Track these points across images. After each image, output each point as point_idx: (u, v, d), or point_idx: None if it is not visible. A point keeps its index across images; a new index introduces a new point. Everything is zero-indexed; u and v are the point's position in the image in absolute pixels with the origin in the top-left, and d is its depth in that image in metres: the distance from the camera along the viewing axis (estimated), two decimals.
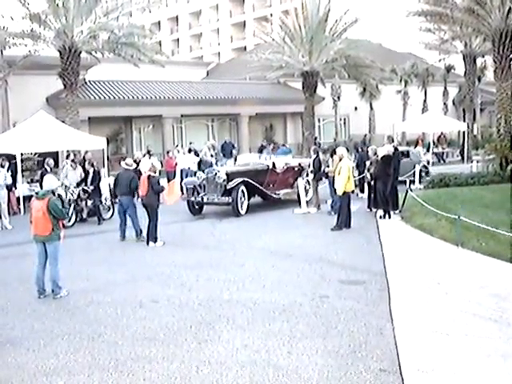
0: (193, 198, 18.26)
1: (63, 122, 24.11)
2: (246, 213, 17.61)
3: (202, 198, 18.07)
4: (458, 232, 12.29)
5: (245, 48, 71.25)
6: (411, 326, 7.64)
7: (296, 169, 20.14)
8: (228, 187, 17.57)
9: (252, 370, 6.36)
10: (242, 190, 17.75)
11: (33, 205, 9.77)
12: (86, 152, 20.14)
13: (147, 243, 13.66)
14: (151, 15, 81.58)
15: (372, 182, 16.82)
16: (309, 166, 18.44)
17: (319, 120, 42.22)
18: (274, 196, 19.11)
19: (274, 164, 19.51)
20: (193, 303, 8.87)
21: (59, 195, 10.00)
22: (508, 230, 12.00)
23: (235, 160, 22.69)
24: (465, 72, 38.54)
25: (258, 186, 18.40)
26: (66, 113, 26.25)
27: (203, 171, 19.65)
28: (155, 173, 14.08)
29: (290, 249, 12.65)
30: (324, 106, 40.79)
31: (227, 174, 17.94)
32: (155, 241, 13.67)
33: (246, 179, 17.88)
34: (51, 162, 18.67)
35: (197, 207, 18.37)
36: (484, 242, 11.98)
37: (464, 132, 36.62)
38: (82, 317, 8.53)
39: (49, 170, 17.96)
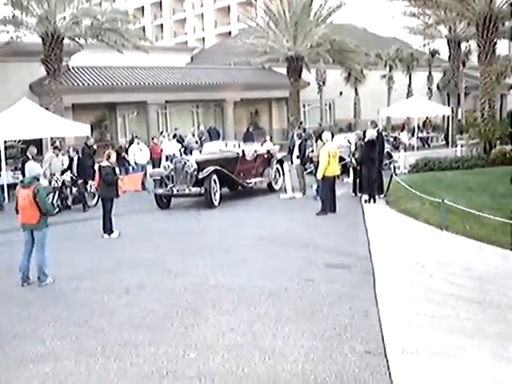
0: (160, 191, 17.01)
1: (47, 108, 23.92)
2: (220, 203, 16.84)
3: (172, 190, 16.87)
4: (442, 216, 12.39)
5: (229, 33, 70.93)
6: (396, 308, 7.71)
7: (265, 156, 19.54)
8: (200, 177, 16.58)
9: (238, 354, 6.40)
10: (215, 180, 16.74)
11: (19, 193, 9.72)
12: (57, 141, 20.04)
13: (102, 235, 13.23)
14: (134, 1, 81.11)
15: (357, 167, 16.88)
16: (290, 151, 18.25)
17: (304, 105, 42.13)
18: (246, 185, 18.36)
19: (243, 152, 18.58)
20: (179, 289, 8.88)
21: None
22: (492, 213, 12.11)
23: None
24: (449, 57, 38.67)
25: (229, 174, 17.50)
26: (49, 100, 26.06)
27: None
28: (110, 162, 13.43)
29: (276, 234, 12.69)
30: (309, 91, 40.72)
31: (197, 163, 16.94)
32: (110, 233, 13.20)
33: (217, 168, 16.91)
34: (33, 149, 18.53)
35: (165, 200, 17.22)
36: (468, 225, 12.09)
37: (448, 116, 36.77)
38: (68, 303, 8.52)
39: (30, 157, 17.81)
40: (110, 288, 9.10)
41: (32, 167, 10.24)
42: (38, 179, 10.02)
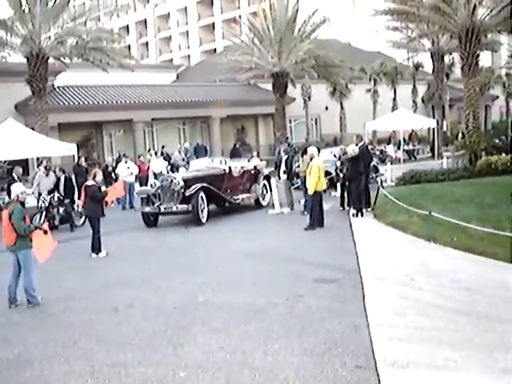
0: (148, 209, 16.91)
1: (32, 128, 23.88)
2: (207, 220, 16.73)
3: (159, 208, 16.74)
4: (429, 228, 12.42)
5: (214, 50, 71.22)
6: (385, 321, 7.70)
7: (252, 172, 19.50)
8: (187, 194, 16.49)
9: (228, 372, 6.36)
10: (202, 197, 16.64)
11: (2, 215, 9.67)
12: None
13: (90, 254, 13.12)
14: (119, 19, 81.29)
15: (344, 182, 16.92)
16: (277, 167, 18.23)
17: (290, 120, 42.35)
18: (233, 201, 18.27)
19: (230, 168, 18.55)
20: (168, 307, 8.84)
21: (22, 203, 9.81)
22: (479, 224, 12.16)
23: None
24: (433, 69, 39.00)
25: (216, 191, 17.45)
26: (35, 119, 26.04)
27: None
28: (96, 181, 13.39)
29: (264, 249, 12.68)
30: (295, 107, 40.92)
31: (184, 181, 16.86)
32: (97, 252, 13.09)
33: (204, 185, 16.86)
34: (19, 170, 18.47)
35: (152, 218, 17.08)
36: (456, 236, 12.12)
37: (434, 129, 37.00)
38: (57, 324, 8.46)
39: (16, 178, 17.72)
40: (99, 308, 9.04)
41: (15, 189, 10.12)
42: (22, 203, 9.87)
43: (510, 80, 55.22)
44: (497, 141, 26.41)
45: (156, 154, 26.37)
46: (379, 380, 5.95)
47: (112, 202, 15.27)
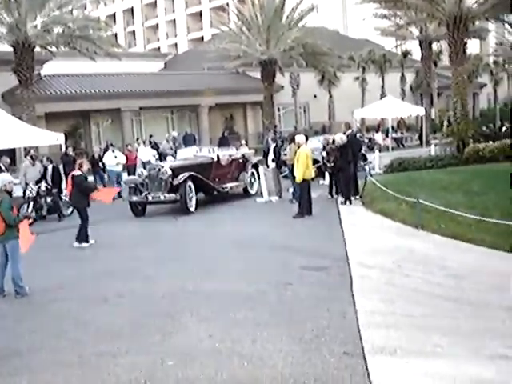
0: (135, 198, 16.73)
1: (19, 118, 23.66)
2: (196, 209, 16.65)
3: (147, 197, 16.60)
4: (417, 215, 12.47)
5: (202, 38, 70.87)
6: (373, 309, 7.73)
7: (240, 160, 19.47)
8: (174, 183, 16.37)
9: (217, 360, 6.36)
10: (190, 186, 16.52)
11: None
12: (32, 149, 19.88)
13: (74, 243, 12.98)
14: (106, 8, 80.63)
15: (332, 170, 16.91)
16: (265, 155, 18.20)
17: (279, 109, 42.29)
18: (221, 190, 18.19)
19: (218, 157, 18.48)
20: (156, 296, 8.83)
21: (9, 192, 9.74)
22: (466, 211, 12.23)
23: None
24: (421, 57, 39.08)
25: (205, 180, 17.34)
26: (21, 109, 25.84)
27: None
28: (82, 171, 13.20)
29: (253, 237, 12.69)
30: (283, 95, 40.86)
31: (172, 170, 16.72)
32: (83, 242, 12.95)
33: (192, 173, 16.73)
34: (6, 160, 18.32)
35: (139, 208, 16.91)
36: (443, 223, 12.19)
37: (422, 116, 37.08)
38: (45, 314, 8.43)
39: (4, 168, 17.60)
40: (87, 298, 9.02)
41: (2, 178, 10.07)
42: (9, 193, 9.83)
43: (498, 68, 55.36)
44: (484, 128, 26.52)
45: (144, 142, 26.21)
46: (367, 367, 5.97)
47: (94, 200, 15.02)
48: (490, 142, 22.35)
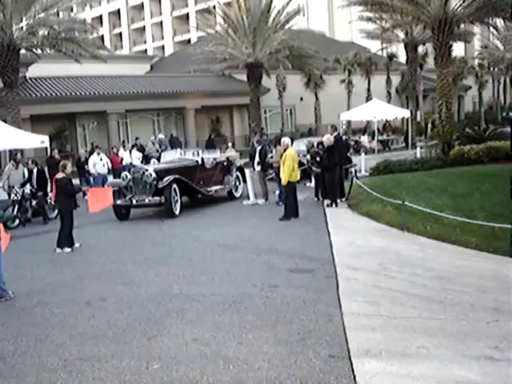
0: (119, 202, 16.42)
1: (4, 120, 23.51)
2: (180, 212, 16.56)
3: (131, 201, 16.53)
4: (403, 217, 12.52)
5: (189, 41, 70.87)
6: (359, 311, 7.74)
7: (225, 163, 19.41)
8: (159, 186, 16.27)
9: (202, 363, 6.34)
10: (175, 189, 16.45)
11: None
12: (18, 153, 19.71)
13: (55, 249, 12.82)
14: (92, 10, 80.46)
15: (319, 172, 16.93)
16: (252, 158, 18.14)
17: (265, 111, 42.37)
18: (206, 193, 18.16)
19: (202, 160, 18.41)
20: (141, 299, 8.78)
21: None
22: (451, 213, 12.29)
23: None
24: (407, 60, 39.24)
25: (189, 183, 17.29)
26: (6, 111, 25.68)
27: None
28: (66, 173, 13.02)
29: (239, 240, 12.66)
30: (270, 97, 40.92)
31: (156, 173, 16.62)
32: (65, 247, 12.76)
33: (177, 176, 16.67)
34: None
35: (124, 211, 16.77)
36: (429, 225, 12.23)
37: (408, 119, 37.23)
38: (29, 318, 8.36)
39: None
40: (72, 301, 8.95)
41: None
42: None
43: (483, 70, 55.76)
44: (470, 131, 26.62)
45: (124, 146, 25.77)
46: (352, 369, 5.98)
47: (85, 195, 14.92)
48: (475, 145, 22.44)
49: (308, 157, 17.55)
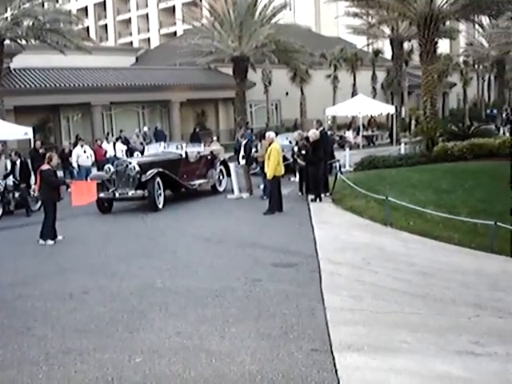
0: (102, 194, 16.20)
1: None
2: (164, 206, 16.46)
3: (114, 194, 16.36)
4: (386, 212, 12.57)
5: (175, 33, 70.56)
6: (342, 305, 7.76)
7: (209, 157, 19.34)
8: (142, 179, 16.11)
9: (185, 356, 6.33)
10: (158, 182, 16.32)
11: None
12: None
13: (38, 240, 12.71)
14: (78, 1, 79.86)
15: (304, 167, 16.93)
16: (236, 152, 18.12)
17: (251, 105, 42.31)
18: (190, 187, 18.03)
19: (186, 153, 18.25)
20: (124, 292, 8.75)
21: None
22: (435, 209, 12.36)
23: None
24: (392, 56, 39.33)
25: (173, 176, 17.16)
26: None
27: None
28: (51, 165, 12.92)
29: (223, 234, 12.65)
30: (255, 92, 40.86)
31: (140, 166, 16.46)
32: (47, 239, 12.65)
33: (161, 170, 16.56)
34: None
35: (106, 204, 16.67)
36: (412, 221, 12.30)
37: (392, 115, 37.35)
38: (10, 311, 8.29)
39: None
40: (54, 294, 8.90)
41: None
42: None
43: (468, 68, 56.07)
44: (454, 127, 26.72)
45: (107, 138, 25.63)
46: (334, 363, 5.99)
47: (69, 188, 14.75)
48: (459, 142, 22.54)
49: (295, 148, 17.54)
